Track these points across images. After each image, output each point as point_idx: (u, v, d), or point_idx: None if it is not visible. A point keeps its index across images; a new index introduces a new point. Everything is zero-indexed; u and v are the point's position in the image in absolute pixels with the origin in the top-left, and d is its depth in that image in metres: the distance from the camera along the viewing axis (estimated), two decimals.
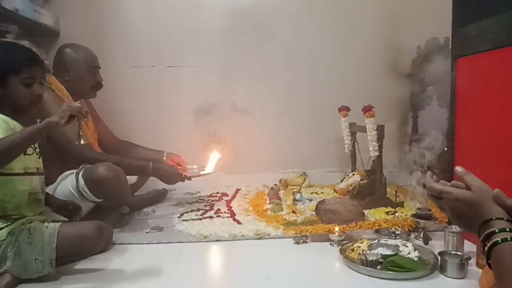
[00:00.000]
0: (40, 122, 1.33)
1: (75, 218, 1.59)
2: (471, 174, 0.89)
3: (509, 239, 0.77)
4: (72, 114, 1.33)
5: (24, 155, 1.40)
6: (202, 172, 2.33)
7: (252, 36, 2.75)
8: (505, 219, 0.81)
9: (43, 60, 1.50)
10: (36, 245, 1.37)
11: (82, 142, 1.46)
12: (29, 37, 2.25)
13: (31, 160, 1.46)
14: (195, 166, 2.34)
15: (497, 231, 0.79)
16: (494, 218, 0.81)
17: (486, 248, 0.79)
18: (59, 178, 1.90)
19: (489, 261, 0.80)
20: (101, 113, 2.39)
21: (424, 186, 0.95)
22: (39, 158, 1.52)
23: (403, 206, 2.12)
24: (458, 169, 0.91)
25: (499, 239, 0.77)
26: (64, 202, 1.65)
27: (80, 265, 1.52)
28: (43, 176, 1.53)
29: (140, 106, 2.75)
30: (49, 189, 1.75)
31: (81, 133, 1.45)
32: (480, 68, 1.62)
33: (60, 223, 1.47)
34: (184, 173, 2.15)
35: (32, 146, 1.45)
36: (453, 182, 0.91)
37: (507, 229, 0.78)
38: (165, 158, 2.34)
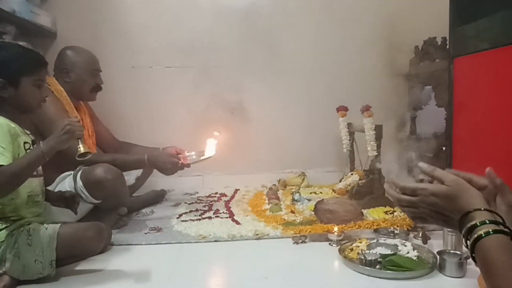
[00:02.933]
0: (40, 143, 1.33)
1: (74, 206, 1.58)
2: (439, 169, 0.86)
3: (491, 232, 0.75)
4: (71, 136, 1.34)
5: None
6: (202, 157, 2.21)
7: (251, 37, 2.74)
8: (483, 209, 0.79)
9: (46, 62, 1.52)
10: (36, 246, 1.37)
11: (82, 151, 1.40)
12: (26, 38, 2.24)
13: None
14: (193, 153, 2.22)
15: (478, 224, 0.77)
16: (473, 210, 0.79)
17: (469, 242, 0.78)
18: (57, 179, 1.90)
19: (473, 255, 0.78)
20: (99, 113, 2.39)
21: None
22: None
23: None
24: (423, 165, 0.87)
25: (482, 233, 0.75)
26: (61, 192, 1.64)
27: (79, 266, 1.52)
28: (42, 177, 1.52)
29: (138, 106, 2.75)
30: None
31: (79, 147, 1.39)
32: (478, 68, 1.62)
33: (59, 224, 1.47)
34: (181, 161, 2.07)
35: (31, 147, 1.44)
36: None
37: (487, 221, 0.76)
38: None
